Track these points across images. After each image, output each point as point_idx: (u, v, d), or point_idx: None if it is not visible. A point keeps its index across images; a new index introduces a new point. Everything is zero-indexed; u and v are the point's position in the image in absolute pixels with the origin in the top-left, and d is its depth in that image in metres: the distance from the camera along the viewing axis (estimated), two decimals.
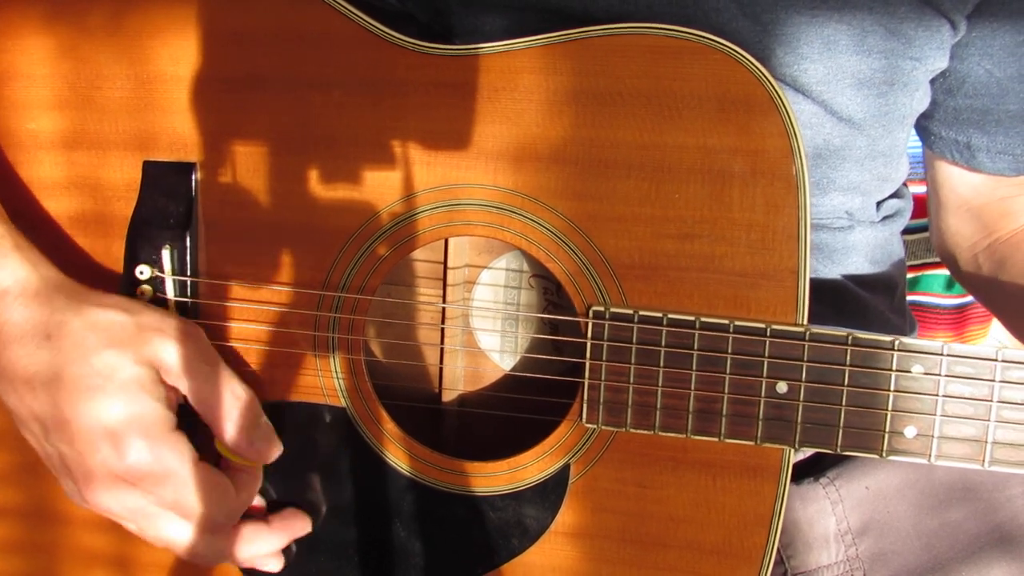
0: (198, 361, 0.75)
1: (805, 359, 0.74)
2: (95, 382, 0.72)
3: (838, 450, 0.75)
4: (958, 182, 1.00)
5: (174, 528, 0.75)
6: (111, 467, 0.72)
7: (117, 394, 0.72)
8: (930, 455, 0.74)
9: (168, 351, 0.74)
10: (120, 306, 0.75)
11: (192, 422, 0.76)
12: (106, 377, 0.72)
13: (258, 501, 0.83)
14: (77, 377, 0.72)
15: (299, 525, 0.83)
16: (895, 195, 0.98)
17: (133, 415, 0.72)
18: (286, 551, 0.83)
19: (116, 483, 0.73)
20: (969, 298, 1.43)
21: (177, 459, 0.73)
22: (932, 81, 0.91)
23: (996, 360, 0.73)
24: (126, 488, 0.73)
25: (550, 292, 0.87)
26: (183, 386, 0.75)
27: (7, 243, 0.74)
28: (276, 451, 0.80)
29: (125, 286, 0.80)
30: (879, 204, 0.96)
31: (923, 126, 0.97)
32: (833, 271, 0.92)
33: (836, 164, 0.88)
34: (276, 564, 0.83)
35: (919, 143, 1.01)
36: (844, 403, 0.74)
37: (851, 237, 0.92)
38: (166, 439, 0.73)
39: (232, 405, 0.76)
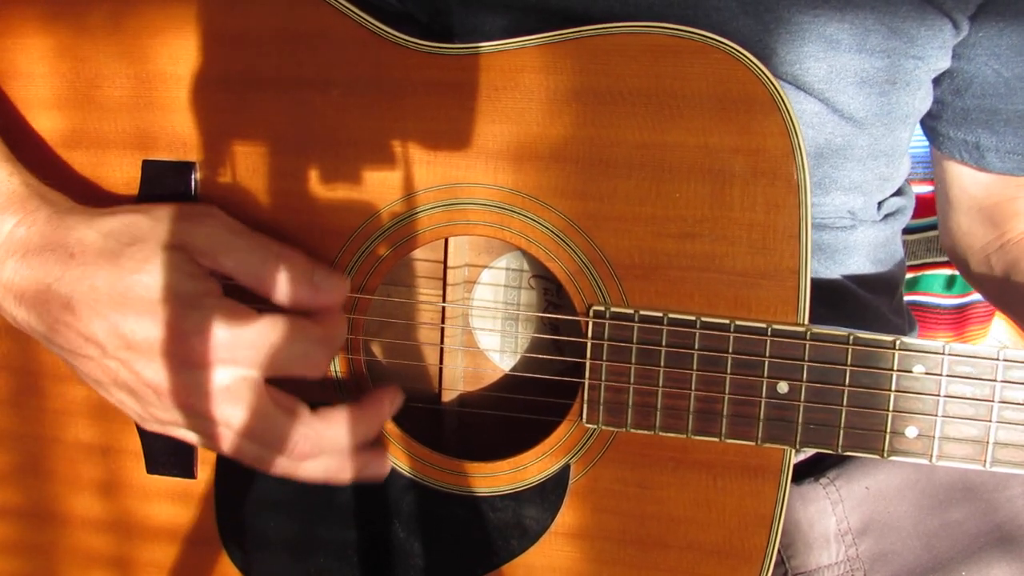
0: (227, 234, 0.73)
1: (806, 359, 0.74)
2: (130, 279, 0.69)
3: (839, 450, 0.75)
4: (968, 182, 1.00)
5: (258, 403, 0.71)
6: (171, 350, 0.69)
7: (153, 281, 0.69)
8: (931, 455, 0.74)
9: (193, 233, 0.72)
10: (131, 209, 0.74)
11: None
12: (138, 271, 0.69)
13: None
14: (113, 281, 0.69)
15: (390, 396, 0.79)
16: (897, 193, 0.98)
17: (176, 295, 0.69)
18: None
19: (181, 366, 0.70)
20: (969, 298, 1.43)
21: (236, 317, 0.70)
22: (940, 81, 0.91)
23: (998, 360, 0.73)
24: (193, 369, 0.70)
25: (550, 292, 0.87)
26: (220, 263, 0.72)
27: (15, 180, 0.74)
28: (346, 286, 0.76)
29: None
30: (880, 203, 0.96)
31: (931, 127, 0.97)
32: (834, 271, 0.92)
33: (838, 163, 0.88)
34: (383, 465, 0.79)
35: (922, 143, 1.01)
36: (845, 403, 0.74)
37: (853, 237, 0.92)
38: (217, 304, 0.70)
39: (278, 262, 0.73)
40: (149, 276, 0.70)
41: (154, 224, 0.72)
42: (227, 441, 0.73)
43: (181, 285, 0.70)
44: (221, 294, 0.71)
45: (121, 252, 0.70)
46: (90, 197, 0.81)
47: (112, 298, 0.70)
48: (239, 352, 0.70)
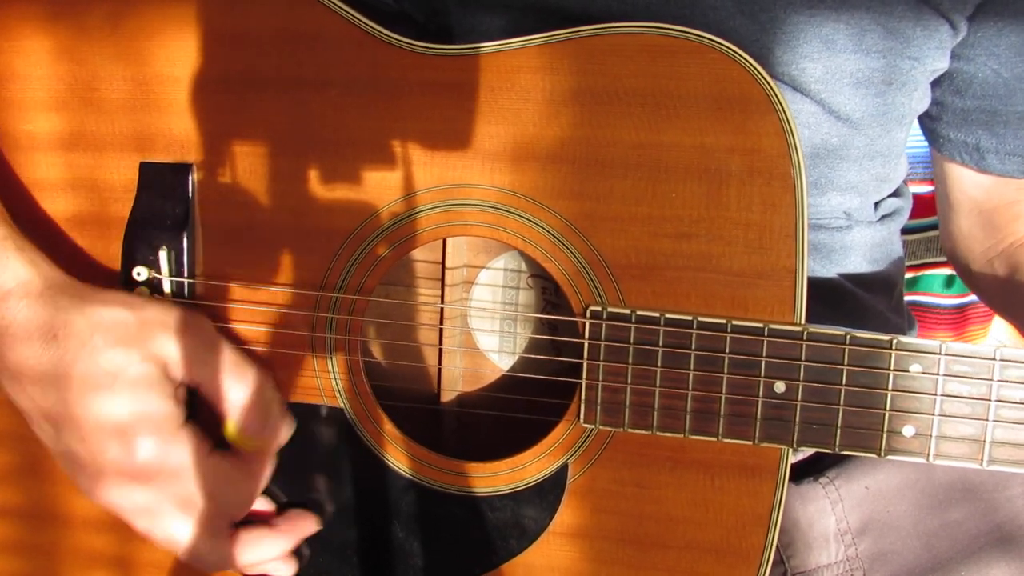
0: (203, 351, 0.75)
1: (803, 359, 0.74)
2: (103, 381, 0.72)
3: (836, 449, 0.75)
4: (968, 184, 0.99)
5: (180, 526, 0.75)
6: (121, 464, 0.72)
7: (125, 392, 0.72)
8: (929, 454, 0.74)
9: (173, 346, 0.74)
10: (123, 303, 0.75)
11: (198, 410, 0.76)
12: (114, 376, 0.72)
13: (267, 505, 0.83)
14: (85, 376, 0.72)
15: (305, 525, 0.83)
16: (894, 194, 0.98)
17: (142, 413, 0.72)
18: (299, 556, 0.83)
19: (126, 480, 0.73)
20: (969, 298, 1.43)
21: (185, 455, 0.73)
22: (939, 83, 0.91)
23: (994, 359, 0.72)
24: (135, 485, 0.73)
25: (548, 292, 0.87)
26: (190, 378, 0.75)
27: (9, 245, 0.74)
28: (287, 434, 0.80)
29: (122, 287, 0.80)
30: (877, 203, 0.96)
31: (931, 128, 0.97)
32: (831, 271, 0.92)
33: (834, 164, 0.88)
34: (287, 570, 0.83)
35: (920, 144, 1.01)
36: (842, 402, 0.74)
37: (849, 237, 0.92)
38: (175, 435, 0.73)
39: (240, 392, 0.76)
40: (123, 389, 0.72)
41: (139, 329, 0.74)
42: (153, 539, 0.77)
43: (150, 406, 0.73)
44: (183, 421, 0.74)
45: (102, 353, 0.72)
46: (87, 201, 0.82)
47: (78, 409, 0.72)
48: (180, 488, 0.74)
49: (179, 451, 0.73)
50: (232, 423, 0.76)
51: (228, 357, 0.77)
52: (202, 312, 0.79)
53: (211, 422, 0.77)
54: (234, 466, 0.77)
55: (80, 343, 0.72)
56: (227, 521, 0.78)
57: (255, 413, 0.77)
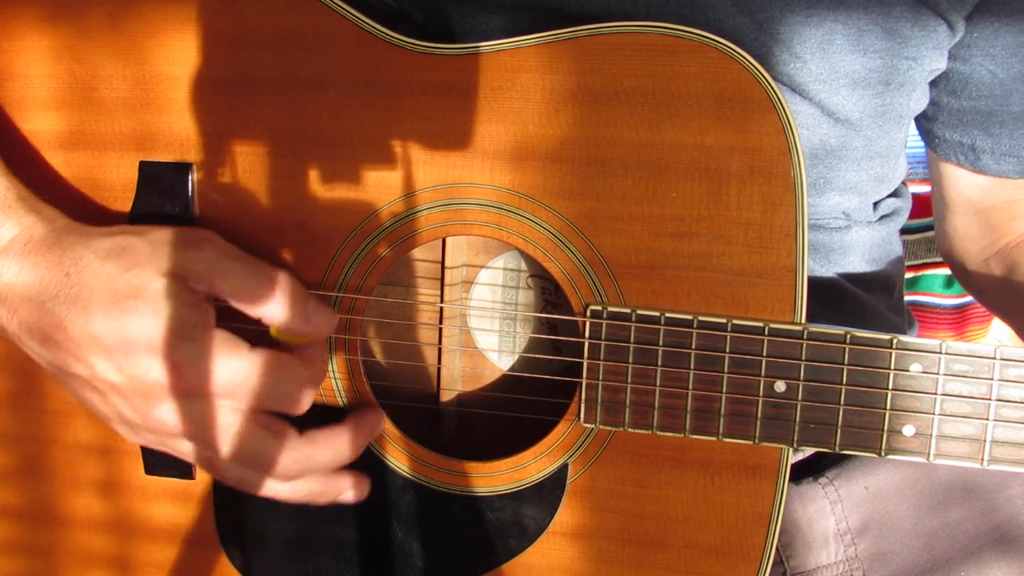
0: (222, 259, 0.74)
1: (803, 358, 0.74)
2: (125, 305, 0.70)
3: (837, 449, 0.75)
4: (964, 185, 0.99)
5: (246, 431, 0.73)
6: (164, 381, 0.70)
7: (149, 310, 0.70)
8: (929, 454, 0.74)
9: (188, 258, 0.72)
10: (129, 231, 0.74)
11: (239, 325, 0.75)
12: (135, 297, 0.70)
13: None
14: (106, 306, 0.70)
15: (373, 418, 0.80)
16: (893, 194, 0.98)
17: (170, 325, 0.70)
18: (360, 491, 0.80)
19: (175, 396, 0.71)
20: (969, 298, 1.43)
21: (228, 350, 0.71)
22: (936, 83, 0.91)
23: (995, 358, 0.72)
24: (187, 399, 0.71)
25: (548, 292, 0.87)
26: (216, 287, 0.73)
27: (11, 195, 0.74)
28: (333, 320, 0.77)
29: None
30: (876, 204, 0.96)
31: (927, 129, 0.97)
32: (830, 270, 0.92)
33: (833, 164, 0.88)
34: (357, 492, 0.80)
35: (920, 144, 1.01)
36: (842, 402, 0.74)
37: (848, 237, 0.92)
38: (210, 336, 0.71)
39: (270, 288, 0.74)
40: (146, 307, 0.70)
41: (152, 249, 0.72)
42: (216, 465, 0.74)
43: (176, 316, 0.71)
44: (214, 324, 0.72)
45: (118, 278, 0.71)
46: (89, 199, 0.82)
47: (109, 337, 0.70)
48: (228, 385, 0.71)
49: (219, 349, 0.71)
50: (273, 322, 0.74)
51: (249, 260, 0.75)
52: (210, 230, 0.77)
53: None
54: (282, 356, 0.73)
55: (94, 275, 0.71)
56: (287, 412, 0.74)
57: (293, 305, 0.74)
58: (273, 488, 0.76)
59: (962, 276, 1.06)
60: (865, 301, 0.94)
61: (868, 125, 0.87)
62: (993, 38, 0.87)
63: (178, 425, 0.72)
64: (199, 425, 0.72)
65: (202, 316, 0.72)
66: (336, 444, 0.77)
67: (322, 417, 0.81)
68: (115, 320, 0.70)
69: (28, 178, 0.78)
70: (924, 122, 0.96)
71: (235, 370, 0.71)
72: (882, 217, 0.96)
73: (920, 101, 0.90)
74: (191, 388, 0.71)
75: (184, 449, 0.75)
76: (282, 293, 0.74)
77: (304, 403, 0.75)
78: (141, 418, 0.72)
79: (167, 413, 0.72)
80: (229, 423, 0.72)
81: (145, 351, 0.70)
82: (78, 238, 0.73)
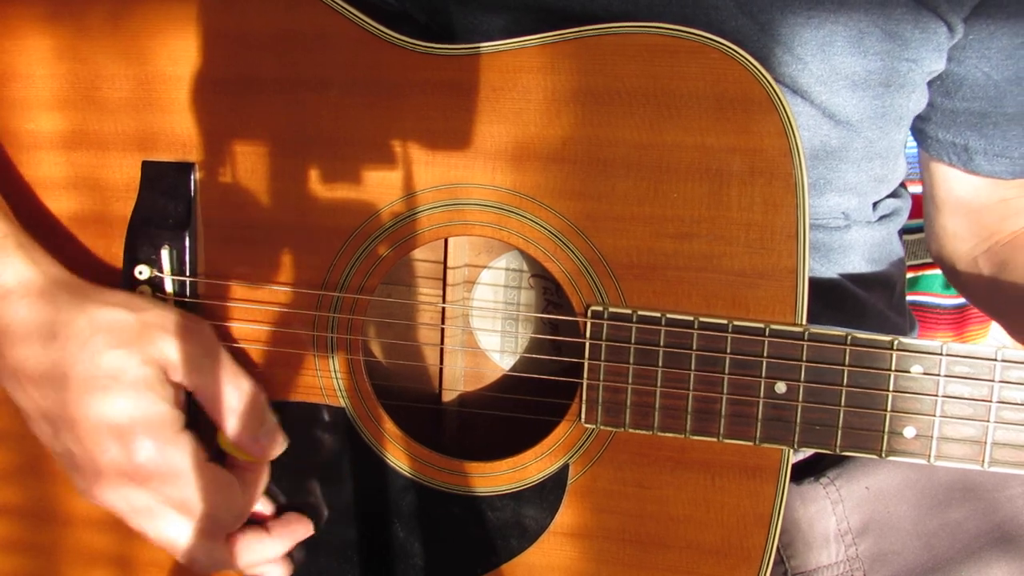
0: (202, 357, 0.75)
1: (804, 359, 0.74)
2: (103, 383, 0.72)
3: (837, 450, 0.75)
4: (956, 184, 0.99)
5: (177, 528, 0.75)
6: (119, 466, 0.73)
7: (125, 394, 0.72)
8: (929, 456, 0.74)
9: (172, 348, 0.74)
10: (124, 304, 0.75)
11: (199, 419, 0.77)
12: (113, 378, 0.72)
13: (267, 507, 0.83)
14: (85, 378, 0.72)
15: (300, 529, 0.83)
16: (892, 195, 0.98)
17: (141, 415, 0.72)
18: (292, 559, 0.83)
19: (123, 481, 0.73)
20: None
21: (184, 458, 0.74)
22: (930, 84, 0.91)
23: (996, 360, 0.72)
24: (133, 486, 0.74)
25: (550, 292, 0.87)
26: (188, 382, 0.75)
27: (10, 242, 0.74)
28: (280, 447, 0.80)
29: (124, 286, 0.80)
30: (876, 204, 0.96)
31: (919, 129, 0.97)
32: (831, 270, 0.92)
33: (833, 165, 0.88)
34: (280, 573, 0.83)
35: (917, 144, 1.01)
36: (843, 403, 0.74)
37: (848, 237, 0.92)
38: (174, 439, 0.73)
39: (236, 400, 0.76)
40: (122, 392, 0.72)
41: (140, 331, 0.74)
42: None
43: (149, 410, 0.73)
44: (181, 426, 0.74)
45: (103, 354, 0.72)
46: (89, 200, 0.82)
47: (76, 412, 0.72)
48: (173, 492, 0.74)
49: (177, 454, 0.73)
50: (226, 433, 0.77)
51: (224, 366, 0.77)
52: (202, 318, 0.79)
53: (208, 432, 0.77)
54: (228, 476, 0.77)
55: (80, 344, 0.72)
56: (222, 528, 0.78)
57: (249, 424, 0.77)
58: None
59: (952, 276, 1.07)
60: (866, 300, 0.94)
61: (868, 126, 0.87)
62: (988, 40, 0.87)
63: (121, 509, 0.75)
64: (139, 515, 0.75)
65: (173, 416, 0.74)
66: (259, 549, 0.81)
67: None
68: (89, 397, 0.72)
69: (30, 182, 0.79)
70: (917, 122, 0.96)
71: (186, 480, 0.74)
72: (881, 217, 0.96)
73: (919, 102, 0.90)
74: (141, 481, 0.73)
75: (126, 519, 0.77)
76: (243, 408, 0.76)
77: (233, 526, 0.79)
78: (89, 493, 0.75)
79: (114, 496, 0.75)
80: (167, 523, 0.75)
81: (109, 433, 0.72)
82: (73, 299, 0.74)
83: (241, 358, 0.82)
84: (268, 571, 0.82)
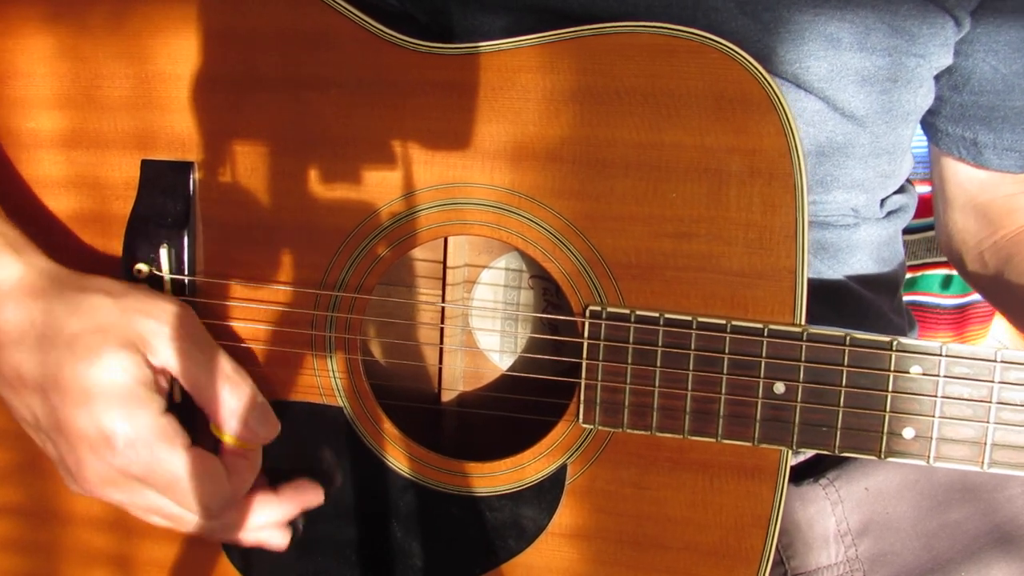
0: (187, 342, 0.74)
1: (803, 360, 0.74)
2: (84, 382, 0.71)
3: (836, 451, 0.75)
4: (964, 179, 0.99)
5: (174, 515, 0.75)
6: (105, 467, 0.73)
7: (106, 393, 0.71)
8: (929, 457, 0.74)
9: (153, 332, 0.73)
10: (104, 289, 0.75)
11: (188, 405, 0.76)
12: (86, 360, 0.71)
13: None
14: (68, 377, 0.72)
15: (310, 494, 0.81)
16: (899, 191, 0.98)
17: (122, 412, 0.72)
18: (293, 530, 0.82)
19: (111, 481, 0.73)
20: (969, 298, 1.43)
21: (167, 453, 0.73)
22: (938, 77, 0.91)
23: (995, 361, 0.72)
24: (123, 484, 0.74)
25: (549, 292, 0.87)
26: (172, 368, 0.74)
27: (1, 241, 0.74)
28: (273, 432, 0.78)
29: None
30: (883, 201, 0.96)
31: (929, 123, 0.97)
32: (838, 271, 0.92)
33: (840, 161, 0.88)
34: (282, 539, 0.81)
35: (922, 143, 1.01)
36: (842, 404, 0.74)
37: (856, 235, 0.92)
38: (156, 434, 0.72)
39: (225, 388, 0.75)
40: (97, 373, 0.71)
41: (120, 315, 0.73)
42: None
43: (124, 392, 0.72)
44: (161, 410, 0.73)
45: (80, 337, 0.72)
46: (88, 198, 0.82)
47: (53, 383, 0.72)
48: (152, 475, 0.73)
49: (160, 450, 0.72)
50: (212, 418, 0.76)
51: (213, 353, 0.76)
52: (188, 304, 0.78)
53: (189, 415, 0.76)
54: (214, 466, 0.75)
55: (60, 334, 0.72)
56: (213, 513, 0.76)
57: (238, 413, 0.76)
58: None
59: (961, 271, 1.07)
60: (870, 302, 0.94)
61: (875, 122, 0.87)
62: (996, 34, 0.87)
63: (109, 501, 0.75)
64: (128, 503, 0.75)
65: (149, 397, 0.73)
66: (265, 510, 0.80)
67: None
68: (72, 399, 0.72)
69: (28, 180, 0.79)
70: (927, 116, 0.96)
71: (161, 462, 0.73)
72: (889, 214, 0.96)
73: (927, 98, 0.90)
74: (117, 464, 0.73)
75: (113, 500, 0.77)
76: (231, 395, 0.75)
77: (215, 517, 0.77)
78: (74, 468, 0.74)
79: (101, 493, 0.74)
80: (154, 505, 0.75)
81: (93, 437, 0.72)
82: (60, 291, 0.74)
83: (239, 357, 0.82)
84: (269, 537, 0.81)
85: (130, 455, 0.72)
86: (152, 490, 0.74)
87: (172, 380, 0.76)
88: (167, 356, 0.73)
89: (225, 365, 0.76)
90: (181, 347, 0.74)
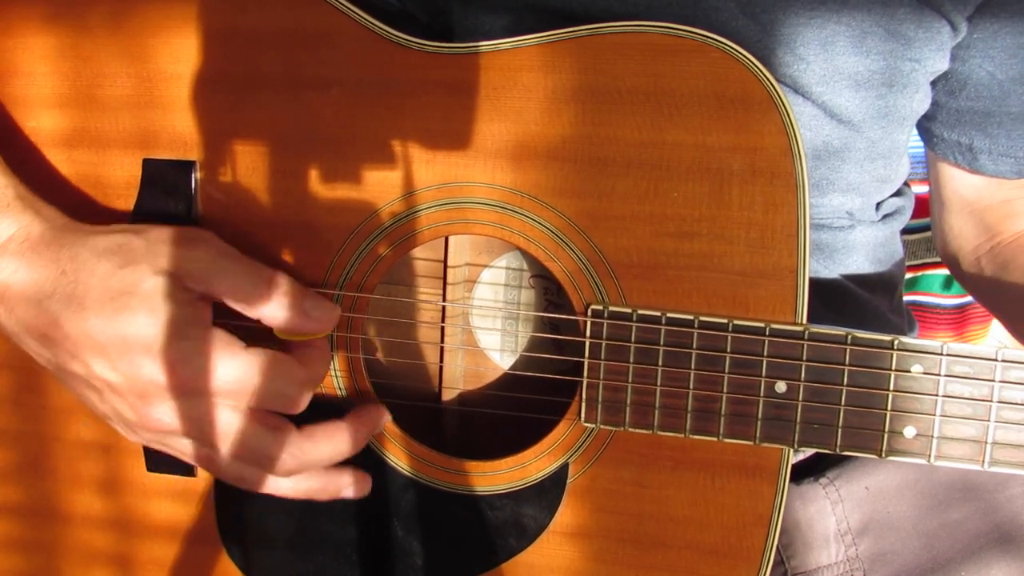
0: (220, 259, 0.74)
1: (804, 359, 0.74)
2: (119, 303, 0.70)
3: (837, 450, 0.75)
4: (960, 184, 1.00)
5: (244, 428, 0.73)
6: (160, 380, 0.70)
7: (142, 307, 0.70)
8: (929, 455, 0.74)
9: (185, 257, 0.72)
10: (127, 229, 0.74)
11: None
12: (128, 294, 0.70)
13: None
14: (100, 303, 0.70)
15: (376, 415, 0.80)
16: (896, 194, 0.98)
17: (165, 323, 0.70)
18: (361, 488, 0.81)
19: (172, 395, 0.71)
20: (969, 298, 1.43)
21: (224, 349, 0.71)
22: (934, 83, 0.91)
23: (996, 360, 0.72)
24: (183, 397, 0.71)
25: (551, 292, 0.87)
26: (212, 287, 0.73)
27: (9, 193, 0.74)
28: (334, 314, 0.77)
29: None
30: (879, 204, 0.96)
31: (925, 128, 0.97)
32: (834, 271, 0.92)
33: (835, 165, 0.88)
34: (357, 488, 0.80)
35: (919, 144, 1.01)
36: (843, 403, 0.74)
37: (852, 236, 0.92)
38: (206, 335, 0.71)
39: (269, 287, 0.74)
40: (139, 304, 0.70)
41: (148, 247, 0.72)
42: (215, 462, 0.75)
43: (171, 315, 0.70)
44: (210, 323, 0.72)
45: (112, 275, 0.71)
46: (92, 196, 0.82)
47: (103, 335, 0.70)
48: (225, 384, 0.72)
49: (215, 347, 0.71)
50: (270, 321, 0.74)
51: (245, 261, 0.75)
52: (208, 231, 0.77)
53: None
54: (279, 356, 0.73)
55: (89, 272, 0.71)
56: (283, 411, 0.74)
57: (293, 306, 0.74)
58: (273, 485, 0.76)
59: (957, 274, 1.07)
60: (868, 302, 0.94)
61: (870, 126, 0.87)
62: (992, 39, 0.87)
63: (175, 424, 0.72)
64: (196, 424, 0.72)
65: (197, 315, 0.72)
66: (335, 440, 0.77)
67: (322, 415, 0.81)
68: (109, 318, 0.70)
69: (30, 176, 0.78)
70: (923, 121, 0.96)
71: (231, 369, 0.71)
72: (885, 216, 0.96)
73: (923, 102, 0.90)
74: (187, 387, 0.71)
75: (182, 447, 0.75)
76: (279, 293, 0.74)
77: (301, 403, 0.75)
78: (138, 417, 0.73)
79: (164, 412, 0.72)
80: (226, 421, 0.73)
81: (140, 350, 0.70)
82: (76, 236, 0.73)
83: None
84: (346, 487, 0.80)
85: (181, 357, 0.70)
86: (213, 394, 0.72)
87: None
88: (203, 277, 0.72)
89: (263, 269, 0.75)
90: (216, 265, 0.73)
